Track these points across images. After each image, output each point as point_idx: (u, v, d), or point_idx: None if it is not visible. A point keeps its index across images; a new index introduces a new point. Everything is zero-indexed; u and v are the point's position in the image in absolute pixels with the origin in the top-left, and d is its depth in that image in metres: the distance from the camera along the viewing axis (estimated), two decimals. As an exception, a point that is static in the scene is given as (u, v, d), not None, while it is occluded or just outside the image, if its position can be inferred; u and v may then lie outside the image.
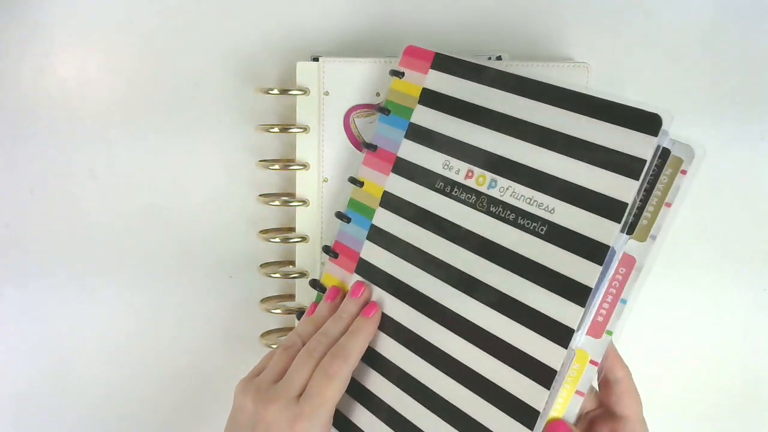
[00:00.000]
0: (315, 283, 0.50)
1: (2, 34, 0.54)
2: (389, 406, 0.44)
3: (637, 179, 0.37)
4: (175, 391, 0.57)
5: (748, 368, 0.57)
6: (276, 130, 0.51)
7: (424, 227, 0.45)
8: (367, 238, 0.47)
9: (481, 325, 0.41)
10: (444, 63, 0.46)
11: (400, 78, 0.48)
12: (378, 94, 0.50)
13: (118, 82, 0.55)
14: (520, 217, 0.41)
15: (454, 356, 0.42)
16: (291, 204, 0.52)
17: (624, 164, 0.38)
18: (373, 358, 0.45)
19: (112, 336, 0.56)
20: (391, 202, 0.47)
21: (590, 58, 0.53)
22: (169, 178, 0.55)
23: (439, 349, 0.43)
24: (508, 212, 0.42)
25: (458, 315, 0.42)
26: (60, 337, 0.56)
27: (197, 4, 0.54)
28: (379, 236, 0.47)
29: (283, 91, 0.51)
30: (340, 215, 0.49)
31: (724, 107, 0.55)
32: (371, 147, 0.48)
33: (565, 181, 0.40)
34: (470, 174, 0.44)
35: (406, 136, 0.47)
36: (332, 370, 0.42)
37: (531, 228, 0.41)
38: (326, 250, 0.50)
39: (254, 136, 0.55)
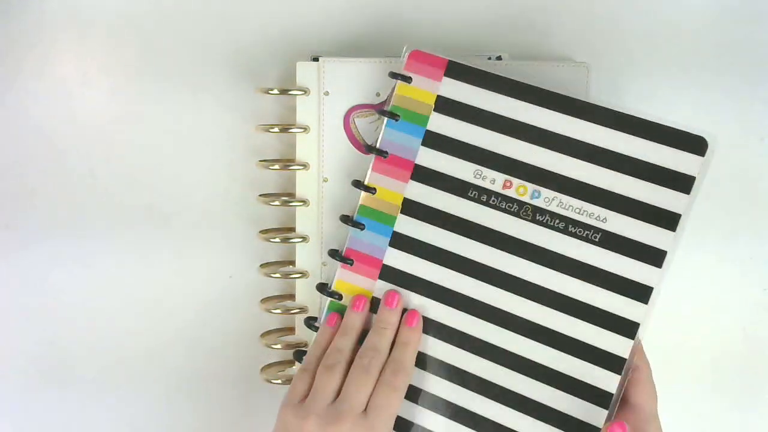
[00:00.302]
0: (323, 288, 0.49)
1: (2, 34, 0.54)
2: (449, 401, 0.46)
3: (689, 193, 0.43)
4: (174, 391, 0.56)
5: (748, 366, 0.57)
6: (276, 130, 0.51)
7: (459, 234, 0.46)
8: (390, 245, 0.48)
9: (543, 324, 0.45)
10: (461, 71, 0.47)
11: (408, 83, 0.47)
12: (378, 94, 0.50)
13: (118, 82, 0.55)
14: (570, 226, 0.45)
15: (520, 354, 0.45)
16: (291, 204, 0.52)
17: (675, 180, 0.43)
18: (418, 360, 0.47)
19: (110, 336, 0.56)
20: (415, 210, 0.47)
21: (590, 58, 0.53)
22: (170, 177, 0.55)
23: (501, 347, 0.46)
24: (557, 221, 0.45)
25: (513, 315, 0.46)
26: (56, 331, 0.56)
27: (197, 5, 0.54)
28: (404, 243, 0.47)
29: (283, 91, 0.51)
30: (351, 222, 0.48)
31: (724, 107, 0.55)
32: (381, 153, 0.48)
33: (616, 193, 0.44)
34: (508, 184, 0.46)
35: (424, 144, 0.47)
36: (396, 383, 0.44)
37: (584, 235, 0.45)
38: (336, 255, 0.49)
39: (254, 136, 0.55)
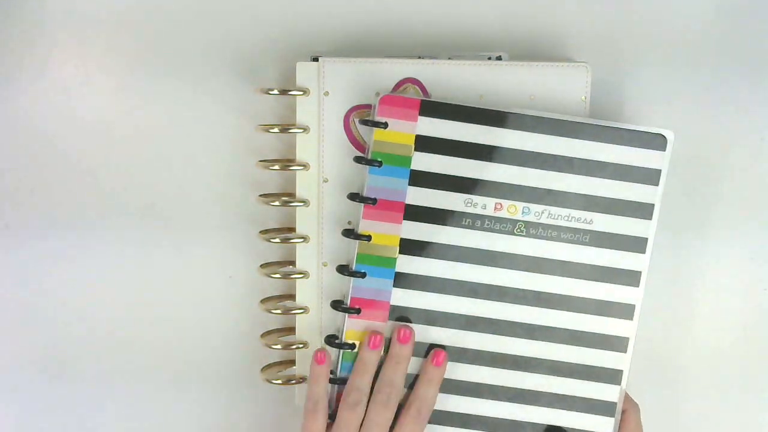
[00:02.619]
0: (332, 340, 0.50)
1: (2, 34, 0.54)
2: (480, 415, 0.49)
3: (657, 185, 0.48)
4: (174, 391, 0.56)
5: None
6: (276, 130, 0.51)
7: (460, 261, 0.49)
8: (394, 286, 0.49)
9: (552, 325, 0.49)
10: (434, 108, 0.48)
11: (384, 128, 0.48)
12: (378, 94, 0.50)
13: (117, 82, 0.55)
14: (562, 233, 0.49)
15: (535, 356, 0.49)
16: (291, 204, 0.52)
17: (644, 175, 0.48)
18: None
19: (110, 336, 0.56)
20: (413, 248, 0.49)
21: (590, 58, 0.53)
22: (169, 177, 0.55)
23: (515, 355, 0.49)
24: (550, 231, 0.49)
25: (526, 323, 0.49)
26: (56, 331, 0.56)
27: (197, 5, 0.54)
28: (408, 281, 0.49)
29: (283, 91, 0.50)
30: (349, 272, 0.49)
31: (724, 107, 0.55)
32: (369, 200, 0.49)
33: (597, 196, 0.48)
34: (499, 206, 0.48)
35: (412, 184, 0.48)
36: (421, 420, 0.47)
37: (575, 239, 0.49)
38: (341, 307, 0.50)
39: (254, 136, 0.55)
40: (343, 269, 0.50)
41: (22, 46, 0.54)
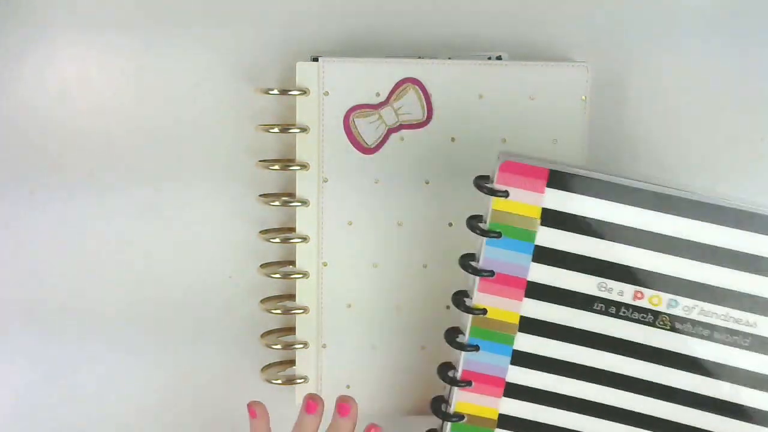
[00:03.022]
0: (440, 409, 0.47)
1: (2, 34, 0.54)
2: None
3: None
4: (174, 392, 0.56)
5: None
6: (276, 130, 0.51)
7: (589, 346, 0.45)
8: (512, 363, 0.45)
9: (695, 425, 0.44)
10: (565, 180, 0.43)
11: (505, 197, 0.43)
12: (378, 94, 0.50)
13: (117, 82, 0.55)
14: (716, 333, 0.43)
15: None
16: (291, 204, 0.52)
17: None
18: None
19: (109, 336, 0.56)
20: (535, 327, 0.45)
21: (590, 58, 0.53)
22: (169, 177, 0.55)
23: None
24: (701, 329, 0.43)
25: (658, 418, 0.45)
26: (56, 332, 0.56)
27: (197, 4, 0.54)
28: (528, 360, 0.45)
29: (283, 91, 0.51)
30: (461, 345, 0.46)
31: (724, 107, 0.55)
32: (487, 273, 0.44)
33: (764, 298, 0.42)
34: (639, 295, 0.43)
35: (535, 260, 0.44)
36: None
37: (732, 341, 0.43)
38: (450, 378, 0.46)
39: (254, 136, 0.55)
40: (452, 337, 0.46)
41: (22, 46, 0.54)
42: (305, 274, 0.52)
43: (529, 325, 0.45)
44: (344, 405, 0.45)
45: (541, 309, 0.44)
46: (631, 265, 0.43)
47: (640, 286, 0.43)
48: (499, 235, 0.44)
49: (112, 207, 0.55)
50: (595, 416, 0.45)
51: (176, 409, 0.57)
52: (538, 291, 0.44)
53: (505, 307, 0.45)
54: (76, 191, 0.55)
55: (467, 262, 0.45)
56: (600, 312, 0.44)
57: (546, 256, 0.44)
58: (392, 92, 0.51)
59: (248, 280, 0.55)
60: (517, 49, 0.54)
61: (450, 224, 0.52)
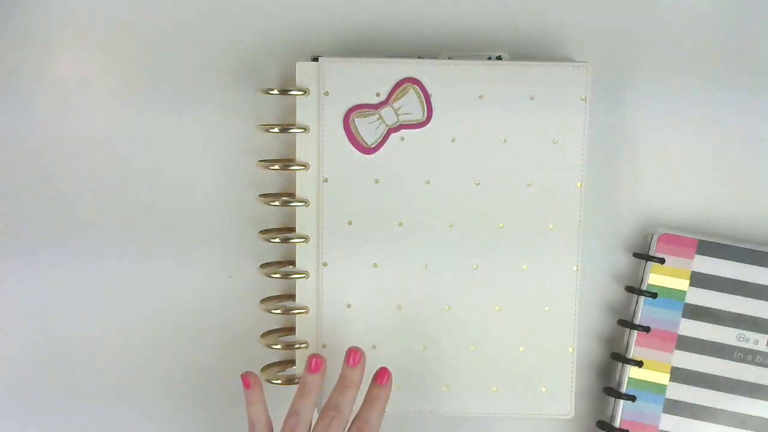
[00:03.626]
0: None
1: (2, 34, 0.54)
2: None
3: None
4: (174, 391, 0.56)
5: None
6: (276, 130, 0.51)
7: (730, 392, 0.52)
8: (664, 412, 0.52)
9: None
10: (712, 249, 0.52)
11: (662, 264, 0.52)
12: (378, 94, 0.50)
13: (117, 82, 0.55)
14: None
15: None
16: (291, 204, 0.52)
17: None
18: None
19: (110, 336, 0.56)
20: (684, 377, 0.52)
21: (590, 58, 0.53)
22: (169, 178, 0.55)
23: None
24: None
25: None
26: (56, 332, 0.56)
27: (197, 4, 0.54)
28: (678, 408, 0.52)
29: (283, 91, 0.51)
30: (619, 394, 0.53)
31: (725, 107, 0.55)
32: (643, 329, 0.53)
33: None
34: None
35: (685, 316, 0.52)
36: None
37: None
38: (609, 427, 0.53)
39: (254, 136, 0.55)
40: (611, 390, 0.53)
41: (22, 46, 0.54)
42: (305, 274, 0.52)
43: (680, 375, 0.52)
44: (383, 373, 0.47)
45: (690, 360, 0.52)
46: (764, 317, 0.52)
47: None
48: (654, 295, 0.52)
49: (111, 207, 0.55)
50: None
51: (176, 408, 0.57)
52: (687, 344, 0.52)
53: (659, 359, 0.53)
54: (75, 192, 0.55)
55: (625, 320, 0.53)
56: (739, 360, 0.52)
57: (694, 312, 0.52)
58: (392, 92, 0.51)
59: (248, 280, 0.55)
60: (517, 49, 0.54)
61: (450, 224, 0.52)
